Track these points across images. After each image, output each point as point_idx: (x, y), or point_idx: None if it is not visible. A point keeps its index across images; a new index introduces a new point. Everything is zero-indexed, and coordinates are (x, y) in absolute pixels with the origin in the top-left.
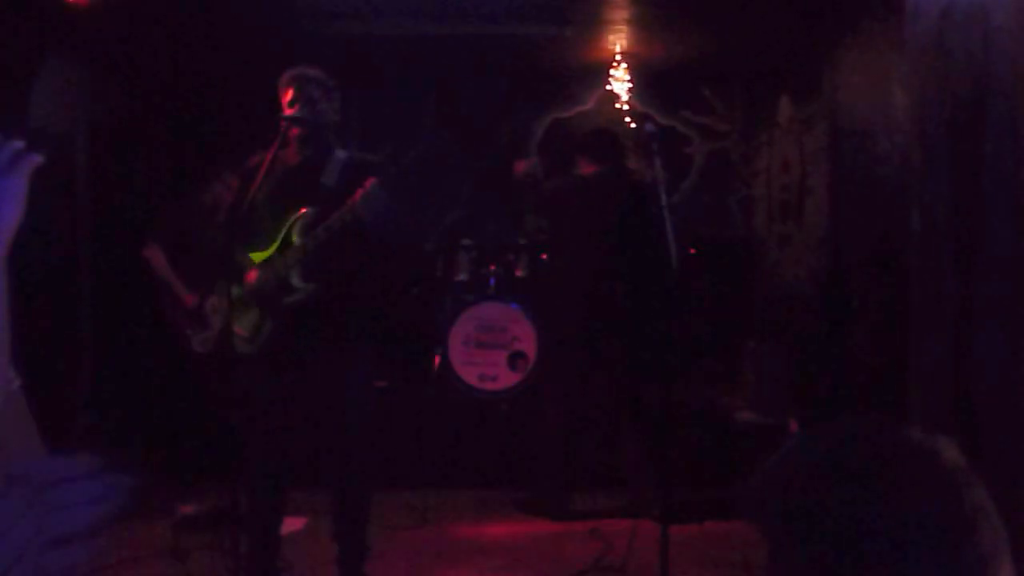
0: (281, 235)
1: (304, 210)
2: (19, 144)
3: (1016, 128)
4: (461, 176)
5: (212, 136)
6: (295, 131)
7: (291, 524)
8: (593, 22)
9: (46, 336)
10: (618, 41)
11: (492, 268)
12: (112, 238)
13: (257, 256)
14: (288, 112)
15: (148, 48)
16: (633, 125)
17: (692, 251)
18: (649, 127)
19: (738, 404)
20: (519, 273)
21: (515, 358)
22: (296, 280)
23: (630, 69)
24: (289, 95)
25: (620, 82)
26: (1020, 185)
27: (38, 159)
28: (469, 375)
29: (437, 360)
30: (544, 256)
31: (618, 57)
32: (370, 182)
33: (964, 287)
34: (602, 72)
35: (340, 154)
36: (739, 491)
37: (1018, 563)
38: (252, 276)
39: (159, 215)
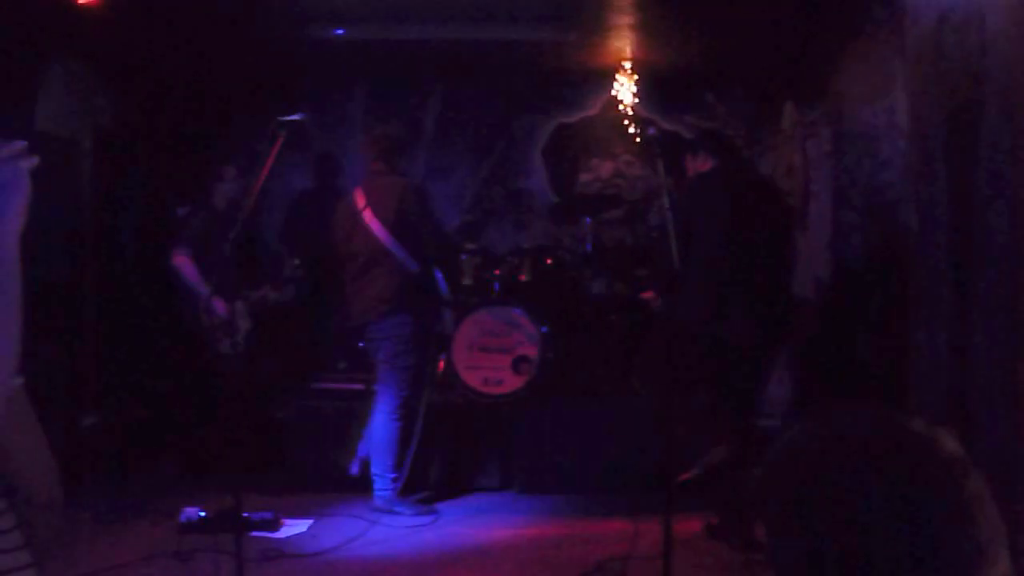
0: None
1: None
2: (21, 143)
3: (1011, 129)
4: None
5: (217, 139)
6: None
7: (295, 526)
8: (599, 27)
9: (51, 338)
10: (623, 47)
11: (496, 272)
12: (117, 241)
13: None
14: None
15: (153, 52)
16: (636, 130)
17: None
18: (651, 131)
19: None
20: (523, 278)
21: (519, 362)
22: None
23: (635, 74)
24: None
25: (625, 87)
26: (1015, 184)
27: (35, 160)
28: (473, 379)
29: (441, 365)
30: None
31: (624, 63)
32: None
33: (961, 284)
34: (607, 77)
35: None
36: (745, 481)
37: (1014, 553)
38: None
39: (183, 223)
